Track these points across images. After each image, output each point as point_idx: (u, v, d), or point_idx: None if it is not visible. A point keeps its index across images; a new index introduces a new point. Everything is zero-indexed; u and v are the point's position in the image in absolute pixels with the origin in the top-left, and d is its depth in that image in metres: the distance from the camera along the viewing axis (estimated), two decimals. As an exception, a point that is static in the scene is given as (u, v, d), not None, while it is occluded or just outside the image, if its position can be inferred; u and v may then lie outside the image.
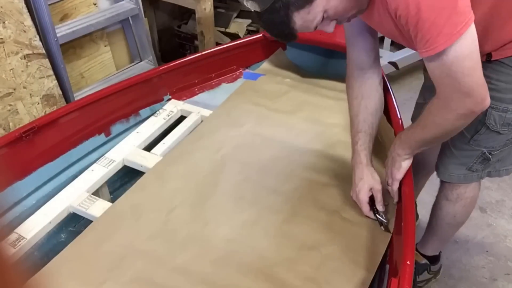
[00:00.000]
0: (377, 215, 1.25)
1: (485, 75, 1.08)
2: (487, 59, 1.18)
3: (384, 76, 1.62)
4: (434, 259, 1.70)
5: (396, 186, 1.26)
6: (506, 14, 1.13)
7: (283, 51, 1.98)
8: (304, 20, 0.99)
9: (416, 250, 1.67)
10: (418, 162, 1.38)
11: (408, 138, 1.21)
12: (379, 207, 1.26)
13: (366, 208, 1.27)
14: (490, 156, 1.33)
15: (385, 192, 1.29)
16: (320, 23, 1.02)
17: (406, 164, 1.24)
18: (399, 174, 1.24)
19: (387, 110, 1.56)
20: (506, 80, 1.19)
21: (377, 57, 1.34)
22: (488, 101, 1.03)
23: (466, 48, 0.96)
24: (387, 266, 1.17)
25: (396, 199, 1.28)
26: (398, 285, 0.97)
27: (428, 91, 1.06)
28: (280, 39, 1.11)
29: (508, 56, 1.17)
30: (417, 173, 1.34)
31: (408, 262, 1.00)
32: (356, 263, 1.15)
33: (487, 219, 2.03)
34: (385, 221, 1.24)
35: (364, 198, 1.27)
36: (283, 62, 1.97)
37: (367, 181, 1.27)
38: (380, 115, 1.36)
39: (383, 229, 1.24)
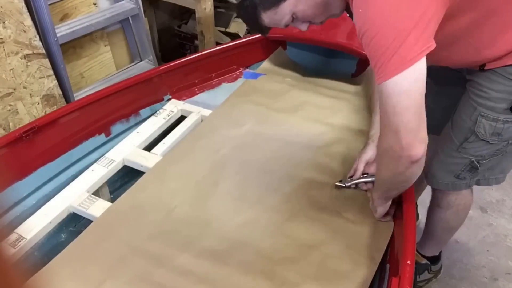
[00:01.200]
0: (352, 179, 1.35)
1: (477, 83, 1.07)
2: (480, 68, 1.18)
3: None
4: (435, 259, 1.70)
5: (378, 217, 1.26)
6: (490, 33, 1.10)
7: (283, 50, 1.98)
8: (271, 19, 1.03)
9: (416, 250, 1.67)
10: None
11: (375, 180, 1.21)
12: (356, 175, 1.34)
13: (356, 175, 1.34)
14: (478, 165, 1.31)
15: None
16: (290, 22, 1.06)
17: (380, 210, 1.22)
18: (377, 215, 1.24)
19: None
20: (498, 89, 1.17)
21: None
22: (418, 154, 0.95)
23: (406, 83, 0.90)
24: (388, 265, 1.17)
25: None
26: (398, 285, 0.97)
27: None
28: (253, 31, 1.16)
29: (501, 66, 1.15)
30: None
31: (408, 262, 1.00)
32: (356, 262, 1.15)
33: (488, 219, 2.03)
34: (346, 184, 1.34)
35: (359, 166, 1.34)
36: (284, 61, 1.97)
37: (362, 151, 1.35)
38: None
39: (337, 183, 1.35)
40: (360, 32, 0.94)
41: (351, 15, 1.01)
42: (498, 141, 1.24)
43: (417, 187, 1.70)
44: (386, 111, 0.95)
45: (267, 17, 1.03)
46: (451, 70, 1.28)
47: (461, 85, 1.28)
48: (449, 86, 1.38)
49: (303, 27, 1.08)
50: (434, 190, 1.50)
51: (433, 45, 0.91)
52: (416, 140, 0.95)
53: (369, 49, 0.94)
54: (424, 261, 1.69)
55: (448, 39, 1.07)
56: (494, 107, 1.19)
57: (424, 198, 1.89)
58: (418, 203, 1.88)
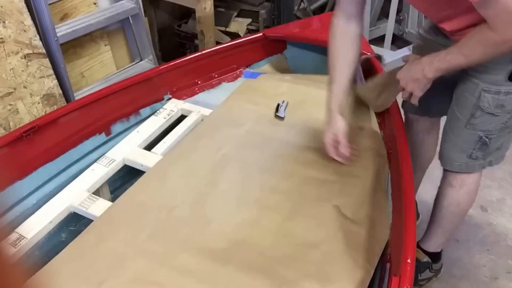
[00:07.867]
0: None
1: None
2: None
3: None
4: (436, 257, 1.70)
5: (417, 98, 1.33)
6: None
7: (284, 58, 1.99)
8: None
9: (418, 246, 1.67)
10: (414, 157, 1.39)
11: (443, 63, 1.22)
12: (343, 150, 1.41)
13: (330, 150, 1.43)
14: (488, 141, 1.35)
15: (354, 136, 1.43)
16: None
17: (429, 85, 1.30)
18: (421, 92, 1.30)
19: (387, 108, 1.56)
20: (495, 60, 1.21)
21: (363, 7, 1.40)
22: None
23: None
24: (388, 264, 1.17)
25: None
26: (398, 284, 0.97)
27: None
28: None
29: None
30: (413, 170, 1.35)
31: (408, 260, 1.01)
32: (356, 260, 1.15)
33: (488, 218, 2.03)
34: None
35: (328, 141, 1.43)
36: (284, 68, 1.99)
37: (332, 126, 1.41)
38: (355, 66, 1.43)
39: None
40: None
41: None
42: (503, 113, 1.29)
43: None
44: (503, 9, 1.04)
45: None
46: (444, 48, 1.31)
47: None
48: None
49: None
50: (445, 172, 1.52)
51: None
52: None
53: None
54: (426, 259, 1.69)
55: None
56: (494, 79, 1.24)
57: (424, 197, 1.90)
58: (418, 202, 1.88)
